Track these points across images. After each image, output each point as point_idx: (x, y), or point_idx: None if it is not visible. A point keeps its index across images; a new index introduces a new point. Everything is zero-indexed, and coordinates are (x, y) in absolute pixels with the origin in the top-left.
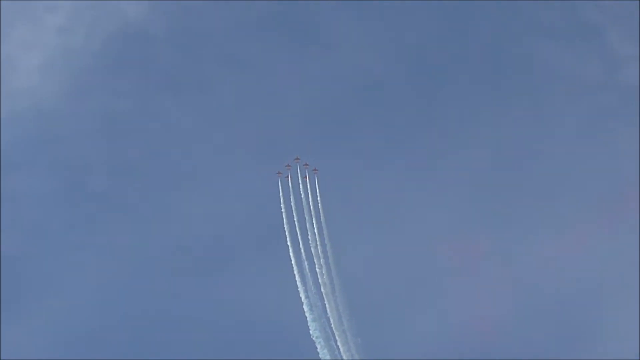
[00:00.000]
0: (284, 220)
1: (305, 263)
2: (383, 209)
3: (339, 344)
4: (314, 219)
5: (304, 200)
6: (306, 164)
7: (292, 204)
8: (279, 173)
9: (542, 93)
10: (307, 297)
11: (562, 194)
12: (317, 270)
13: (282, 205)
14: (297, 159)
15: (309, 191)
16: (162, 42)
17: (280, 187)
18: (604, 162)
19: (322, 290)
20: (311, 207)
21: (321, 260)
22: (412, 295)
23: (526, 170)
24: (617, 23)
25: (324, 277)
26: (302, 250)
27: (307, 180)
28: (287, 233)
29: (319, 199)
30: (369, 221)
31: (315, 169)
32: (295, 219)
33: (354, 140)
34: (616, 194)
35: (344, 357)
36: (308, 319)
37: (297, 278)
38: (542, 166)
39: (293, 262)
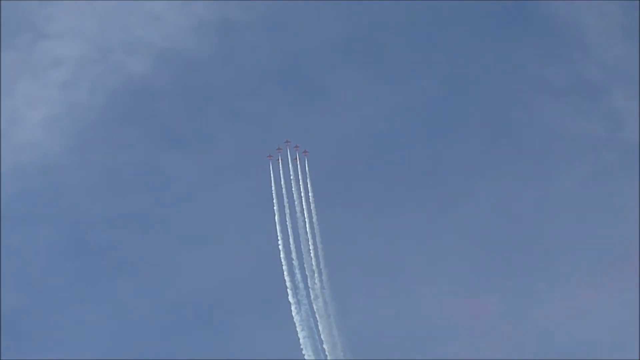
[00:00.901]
0: (275, 207)
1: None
2: (386, 266)
3: None
4: (305, 216)
5: (294, 184)
6: (297, 146)
7: (282, 189)
8: (269, 156)
9: (546, 151)
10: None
11: (565, 251)
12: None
13: (272, 187)
14: (287, 141)
15: (299, 173)
16: (166, 96)
17: (271, 170)
18: (606, 219)
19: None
20: (302, 191)
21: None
22: (417, 351)
23: (530, 227)
24: (620, 81)
25: (331, 334)
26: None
27: (298, 162)
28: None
29: (308, 181)
30: (372, 280)
31: (305, 151)
32: (286, 210)
33: (358, 196)
34: (619, 251)
35: None
36: None
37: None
38: (546, 223)
39: (296, 321)
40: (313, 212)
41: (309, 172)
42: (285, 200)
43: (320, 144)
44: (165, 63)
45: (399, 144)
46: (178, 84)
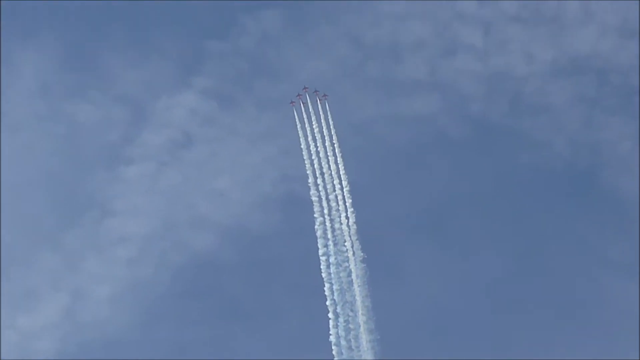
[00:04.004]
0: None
1: None
2: None
3: None
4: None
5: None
6: (316, 91)
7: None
8: (292, 102)
9: (612, 326)
10: None
11: None
12: None
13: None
14: (305, 88)
15: (321, 118)
16: (231, 271)
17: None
18: None
19: None
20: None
21: None
22: None
23: None
24: None
25: None
26: None
27: (319, 106)
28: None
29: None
30: None
31: (325, 95)
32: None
33: None
34: None
35: None
36: None
37: None
38: None
39: None
40: None
41: None
42: None
43: (387, 320)
44: (230, 239)
45: (465, 319)
46: (243, 259)
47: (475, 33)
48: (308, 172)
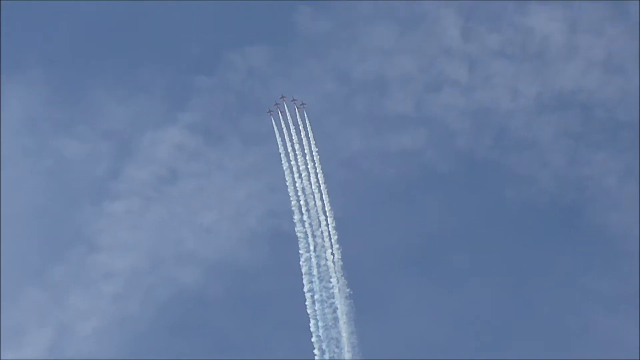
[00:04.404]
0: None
1: None
2: None
3: None
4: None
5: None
6: (294, 100)
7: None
8: (269, 112)
9: None
10: None
11: None
12: None
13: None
14: (283, 97)
15: (299, 125)
16: (217, 307)
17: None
18: None
19: None
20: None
21: None
22: None
23: None
24: None
25: None
26: None
27: (297, 114)
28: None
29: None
30: None
31: (303, 103)
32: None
33: None
34: None
35: None
36: None
37: None
38: None
39: None
40: None
41: None
42: None
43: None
44: (216, 274)
45: (453, 354)
46: (229, 295)
47: (461, 68)
48: (294, 208)
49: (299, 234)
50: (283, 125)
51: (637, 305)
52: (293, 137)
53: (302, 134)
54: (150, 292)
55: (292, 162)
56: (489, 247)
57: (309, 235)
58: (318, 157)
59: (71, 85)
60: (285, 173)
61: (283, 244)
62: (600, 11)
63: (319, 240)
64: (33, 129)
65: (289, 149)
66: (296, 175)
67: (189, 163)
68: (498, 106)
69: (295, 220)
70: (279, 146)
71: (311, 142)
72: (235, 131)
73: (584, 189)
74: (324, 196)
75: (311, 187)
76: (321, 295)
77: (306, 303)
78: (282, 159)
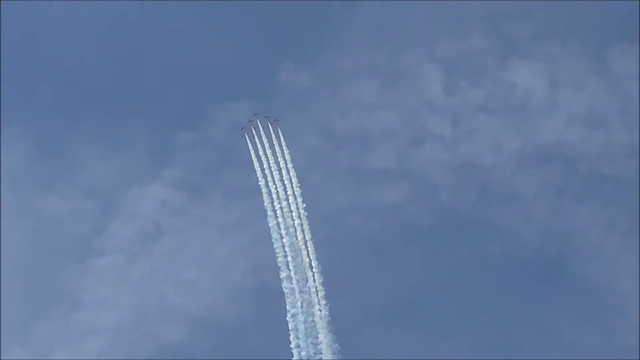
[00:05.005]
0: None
1: None
2: None
3: None
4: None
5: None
6: (267, 117)
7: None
8: (243, 129)
9: None
10: None
11: None
12: None
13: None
14: (256, 114)
15: (274, 141)
16: None
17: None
18: None
19: None
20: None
21: None
22: None
23: None
24: None
25: None
26: None
27: (271, 131)
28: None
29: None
30: None
31: (276, 120)
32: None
33: None
34: None
35: None
36: None
37: None
38: None
39: None
40: None
41: None
42: None
43: None
44: (201, 330)
45: None
46: (214, 350)
47: (444, 123)
48: (280, 264)
49: (285, 290)
50: (258, 144)
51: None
52: (269, 156)
53: (277, 149)
54: (135, 348)
55: (278, 211)
56: (473, 300)
57: (295, 290)
58: (286, 147)
59: (53, 142)
60: (270, 226)
61: (269, 299)
62: (580, 66)
63: (306, 296)
64: (15, 186)
65: (265, 167)
66: (283, 230)
67: (173, 218)
68: (481, 160)
69: (281, 277)
70: (255, 164)
71: (286, 156)
72: (218, 186)
73: (567, 242)
74: (310, 251)
75: (297, 241)
76: (308, 352)
77: (293, 359)
78: (250, 150)
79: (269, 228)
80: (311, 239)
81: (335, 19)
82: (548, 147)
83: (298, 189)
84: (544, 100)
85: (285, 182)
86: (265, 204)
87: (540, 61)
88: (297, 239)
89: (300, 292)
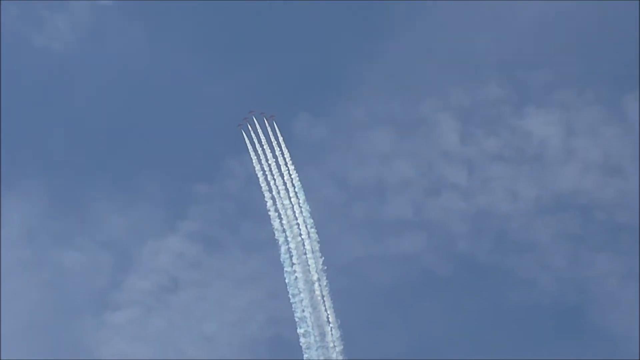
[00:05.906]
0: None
1: None
2: None
3: None
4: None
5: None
6: (262, 113)
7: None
8: (239, 126)
9: None
10: None
11: None
12: None
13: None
14: (252, 111)
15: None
16: None
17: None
18: None
19: None
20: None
21: None
22: None
23: None
24: None
25: None
26: None
27: (267, 127)
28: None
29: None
30: None
31: (272, 115)
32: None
33: None
34: None
35: None
36: None
37: None
38: None
39: None
40: None
41: None
42: None
43: None
44: None
45: None
46: None
47: (460, 172)
48: (297, 318)
49: (303, 346)
50: (255, 140)
51: None
52: (267, 152)
53: (274, 145)
54: None
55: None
56: (491, 350)
57: (314, 347)
58: (283, 141)
59: (70, 196)
60: (287, 281)
61: (285, 351)
62: (596, 113)
63: (324, 351)
64: (32, 241)
65: (264, 163)
66: (301, 284)
67: (189, 272)
68: (497, 209)
69: (299, 332)
70: (253, 160)
71: (283, 149)
72: (235, 238)
73: (585, 290)
74: (327, 306)
75: (315, 296)
76: None
77: None
78: (248, 146)
79: (285, 280)
80: (328, 293)
81: (350, 69)
82: (564, 195)
83: (316, 242)
84: (559, 148)
85: (303, 235)
86: (282, 257)
87: (555, 109)
88: (314, 293)
89: (318, 348)
